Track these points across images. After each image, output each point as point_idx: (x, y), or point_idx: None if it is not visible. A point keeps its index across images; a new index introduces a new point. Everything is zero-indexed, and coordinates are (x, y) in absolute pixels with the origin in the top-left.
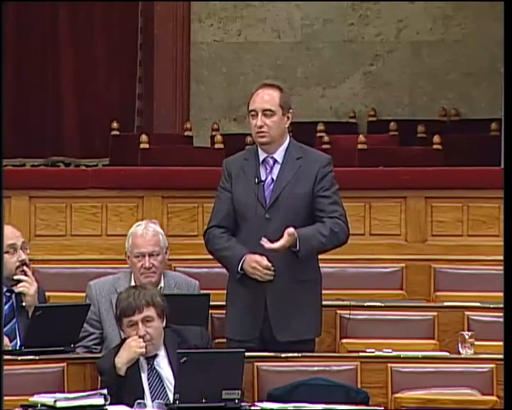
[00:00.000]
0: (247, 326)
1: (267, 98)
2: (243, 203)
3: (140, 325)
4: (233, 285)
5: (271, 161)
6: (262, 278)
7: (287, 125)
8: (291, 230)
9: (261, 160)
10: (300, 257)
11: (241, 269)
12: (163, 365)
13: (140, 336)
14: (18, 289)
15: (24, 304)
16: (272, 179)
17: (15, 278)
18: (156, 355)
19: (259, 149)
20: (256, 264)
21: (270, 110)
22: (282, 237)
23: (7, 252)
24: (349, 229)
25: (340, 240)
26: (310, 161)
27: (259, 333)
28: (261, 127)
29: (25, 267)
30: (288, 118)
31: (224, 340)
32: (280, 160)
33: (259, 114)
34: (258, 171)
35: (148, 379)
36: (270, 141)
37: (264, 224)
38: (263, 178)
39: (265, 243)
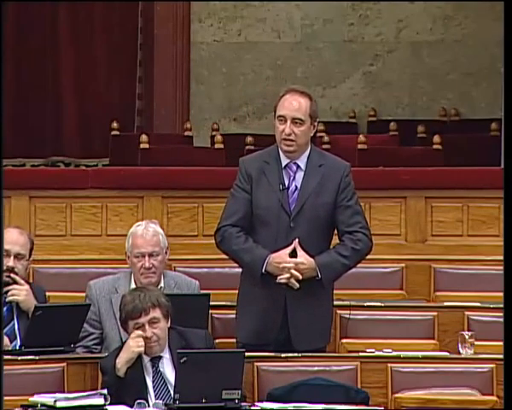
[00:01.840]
0: (264, 331)
1: (297, 106)
2: (265, 209)
3: (147, 326)
4: (249, 289)
5: (294, 167)
6: (288, 280)
7: (311, 134)
8: (307, 260)
9: (283, 165)
10: (325, 284)
11: (265, 270)
12: (167, 367)
13: (147, 338)
14: (8, 298)
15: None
16: (296, 187)
17: (5, 289)
18: (161, 357)
19: (281, 154)
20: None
21: (300, 119)
22: (304, 245)
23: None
24: (372, 240)
25: (364, 255)
26: (332, 168)
27: (275, 338)
28: (289, 135)
29: (12, 274)
30: (314, 127)
31: (225, 340)
32: (303, 167)
33: (288, 122)
34: (281, 176)
35: (153, 381)
36: (296, 150)
37: (287, 232)
38: (286, 185)
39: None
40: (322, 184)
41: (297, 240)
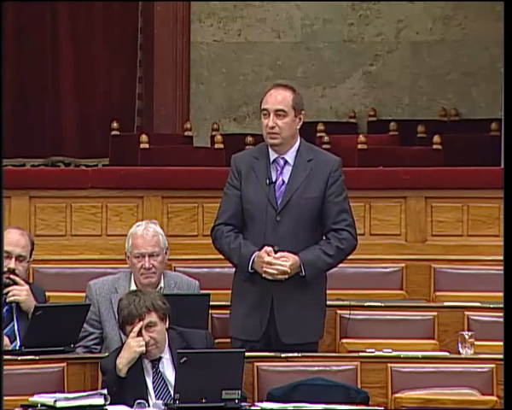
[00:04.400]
0: (253, 326)
1: (280, 99)
2: (253, 203)
3: (143, 331)
4: (239, 284)
5: (282, 162)
6: (273, 276)
7: (298, 127)
8: (291, 257)
9: (271, 160)
10: (308, 281)
11: (251, 268)
12: (168, 368)
13: (145, 342)
14: (9, 299)
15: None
16: (283, 181)
17: (5, 290)
18: (161, 358)
19: (270, 149)
20: (265, 264)
21: (282, 111)
22: (291, 240)
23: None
24: (357, 239)
25: (348, 253)
26: (321, 163)
27: (264, 333)
28: (273, 128)
29: (11, 275)
30: (300, 119)
31: (225, 340)
32: (291, 161)
33: (271, 115)
34: (268, 171)
35: (153, 382)
36: (281, 142)
37: (274, 226)
38: (273, 179)
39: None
40: (309, 179)
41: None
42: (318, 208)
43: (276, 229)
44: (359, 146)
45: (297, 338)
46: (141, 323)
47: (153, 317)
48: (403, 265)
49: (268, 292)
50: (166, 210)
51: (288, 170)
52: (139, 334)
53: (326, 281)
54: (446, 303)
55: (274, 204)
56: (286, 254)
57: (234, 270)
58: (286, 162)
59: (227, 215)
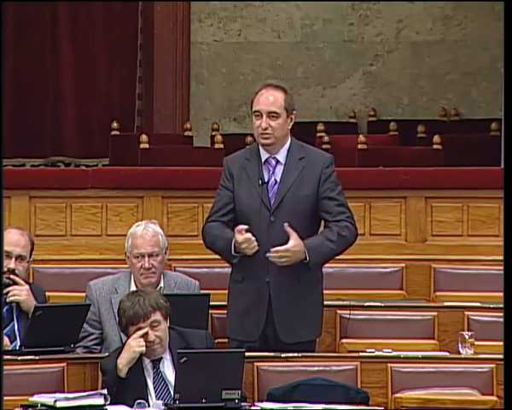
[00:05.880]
0: (250, 326)
1: (272, 100)
2: (247, 205)
3: (149, 330)
4: (236, 284)
5: (274, 162)
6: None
7: (289, 127)
8: (295, 236)
9: (263, 160)
10: (311, 267)
11: (236, 252)
12: (168, 368)
13: (150, 341)
14: (9, 299)
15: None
16: (275, 181)
17: (5, 290)
18: (161, 358)
19: (261, 149)
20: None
21: (275, 112)
22: (285, 239)
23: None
24: (357, 229)
25: (349, 242)
26: (312, 161)
27: (262, 333)
28: (266, 129)
29: (11, 275)
30: (292, 119)
31: (225, 340)
32: (282, 160)
33: (264, 116)
34: (260, 171)
35: (154, 382)
36: (274, 142)
37: (268, 226)
38: (265, 179)
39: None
40: (302, 177)
41: (286, 224)
42: (312, 206)
43: (271, 229)
44: (359, 146)
45: (295, 337)
46: (147, 326)
47: (157, 315)
48: (403, 265)
49: (265, 292)
50: (166, 210)
51: (279, 169)
52: (143, 336)
53: (322, 279)
54: (446, 303)
55: (267, 204)
56: (294, 238)
57: (231, 270)
58: (278, 162)
59: (217, 215)
